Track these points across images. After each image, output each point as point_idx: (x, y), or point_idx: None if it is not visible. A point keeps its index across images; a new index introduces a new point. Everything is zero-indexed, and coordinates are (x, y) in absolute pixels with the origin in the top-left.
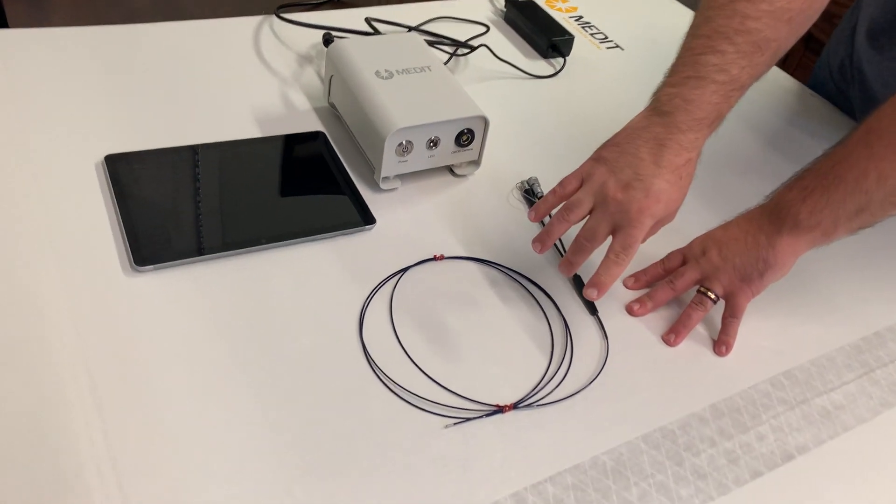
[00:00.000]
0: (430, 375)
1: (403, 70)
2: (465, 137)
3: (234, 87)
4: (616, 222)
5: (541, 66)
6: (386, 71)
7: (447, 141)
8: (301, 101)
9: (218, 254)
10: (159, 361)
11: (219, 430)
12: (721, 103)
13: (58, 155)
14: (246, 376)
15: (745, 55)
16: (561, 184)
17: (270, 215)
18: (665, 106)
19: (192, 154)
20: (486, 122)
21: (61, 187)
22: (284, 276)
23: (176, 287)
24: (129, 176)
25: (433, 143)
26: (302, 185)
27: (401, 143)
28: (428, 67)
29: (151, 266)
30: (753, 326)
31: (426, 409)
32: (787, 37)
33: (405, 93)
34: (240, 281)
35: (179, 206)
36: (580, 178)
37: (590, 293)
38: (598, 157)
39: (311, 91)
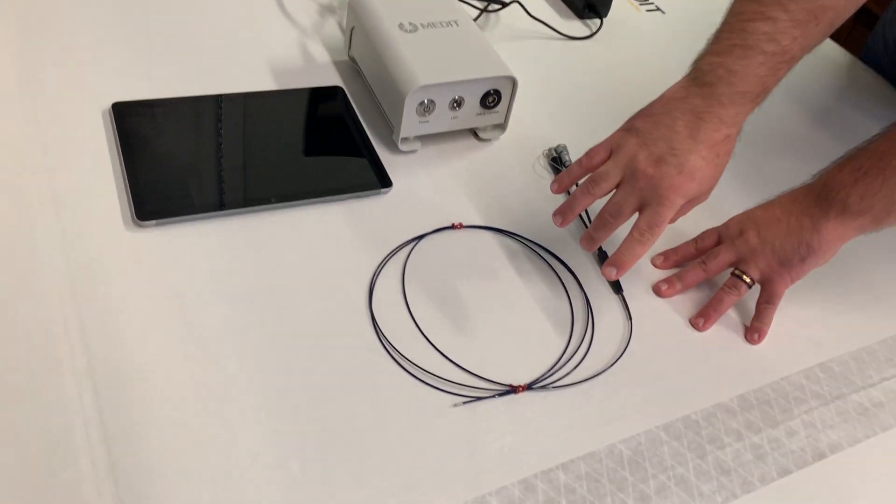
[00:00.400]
0: (441, 350)
1: (429, 24)
2: (491, 99)
3: (252, 37)
4: (644, 198)
5: (576, 26)
6: (410, 24)
7: (472, 102)
8: (320, 54)
9: (224, 211)
10: (156, 321)
11: (214, 395)
12: (767, 77)
13: (65, 99)
14: (246, 341)
15: (799, 24)
16: (588, 154)
17: (281, 173)
18: (706, 76)
19: (203, 105)
20: (514, 82)
21: (66, 133)
22: (293, 239)
23: (178, 244)
24: (136, 125)
25: (457, 103)
26: (316, 143)
27: (422, 102)
28: (455, 22)
29: (154, 221)
30: (789, 314)
31: (435, 385)
32: (846, 5)
33: (429, 48)
34: (245, 241)
35: (187, 159)
36: (609, 148)
37: (608, 272)
38: (629, 128)
39: (331, 43)
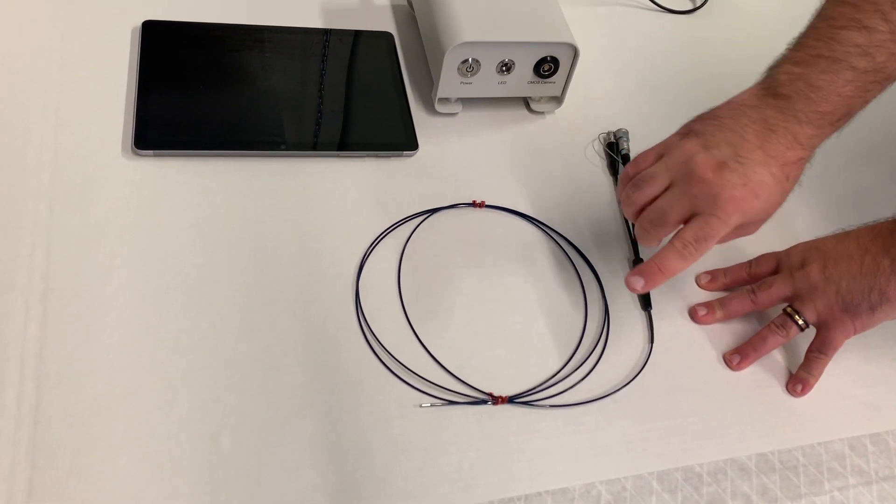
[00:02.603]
0: (422, 341)
1: None
2: (546, 67)
3: None
4: (696, 206)
5: None
6: None
7: (524, 67)
8: None
9: (227, 152)
10: (125, 259)
11: (162, 348)
12: (854, 98)
13: (98, 9)
14: (213, 296)
15: None
16: (634, 161)
17: (299, 119)
18: (783, 87)
19: (238, 35)
20: (575, 51)
21: (90, 46)
22: (293, 192)
23: (171, 180)
24: (162, 48)
25: (506, 66)
26: (347, 91)
27: (465, 61)
28: None
29: (152, 151)
30: (845, 368)
31: (404, 378)
32: None
33: (485, 1)
34: (242, 187)
35: (205, 90)
36: (659, 154)
37: (633, 282)
38: (687, 130)
39: None
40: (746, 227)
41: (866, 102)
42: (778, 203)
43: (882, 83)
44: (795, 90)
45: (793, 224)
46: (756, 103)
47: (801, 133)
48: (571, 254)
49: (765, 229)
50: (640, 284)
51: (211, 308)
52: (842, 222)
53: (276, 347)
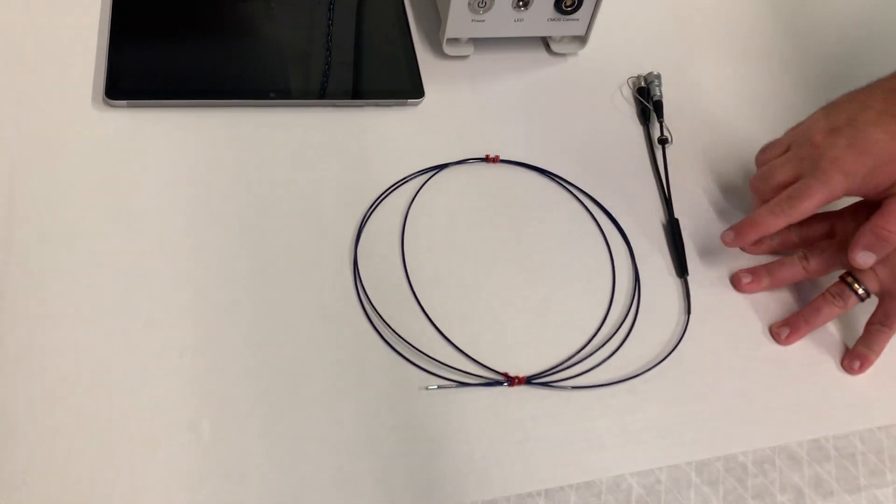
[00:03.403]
0: (429, 315)
1: None
2: (569, 2)
3: None
4: (801, 170)
5: None
6: None
7: (543, 2)
8: None
9: (209, 101)
10: (95, 221)
11: (136, 323)
12: None
13: None
14: (193, 264)
15: None
16: (762, 150)
17: (289, 64)
18: None
19: None
20: None
21: None
22: (285, 146)
23: (147, 133)
24: None
25: (522, 2)
26: (343, 32)
27: None
28: None
29: (125, 102)
30: None
31: (408, 357)
32: None
33: None
34: (227, 141)
35: (186, 33)
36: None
37: (726, 235)
38: (824, 106)
39: None
40: (866, 188)
41: None
42: None
43: None
44: None
45: None
46: (893, 76)
47: None
48: (597, 214)
49: None
50: (731, 237)
51: (191, 278)
52: None
53: (263, 323)
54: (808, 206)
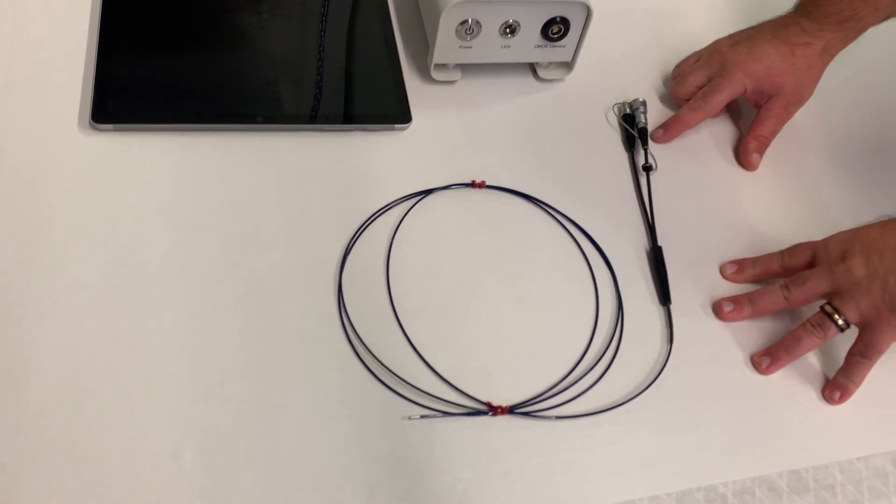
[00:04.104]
0: (413, 342)
1: None
2: (555, 29)
3: None
4: (711, 73)
5: None
6: None
7: (530, 29)
8: None
9: (197, 125)
10: (80, 247)
11: (120, 349)
12: (859, 3)
13: None
14: (177, 289)
15: None
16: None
17: (278, 88)
18: (799, 1)
19: None
20: (588, 11)
21: (46, 4)
22: (271, 171)
23: (133, 157)
24: (127, 5)
25: (510, 28)
26: (331, 55)
27: (464, 22)
28: None
29: (111, 126)
30: (889, 371)
31: (392, 387)
32: None
33: None
34: (213, 166)
35: (173, 56)
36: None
37: (655, 132)
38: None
39: None
40: (778, 98)
41: (877, 10)
42: (786, 72)
43: None
44: (807, 1)
45: (830, 209)
46: (782, 15)
47: (807, 26)
48: (581, 240)
49: (801, 214)
50: (659, 134)
51: (175, 305)
52: (886, 207)
53: (247, 350)
54: (720, 98)
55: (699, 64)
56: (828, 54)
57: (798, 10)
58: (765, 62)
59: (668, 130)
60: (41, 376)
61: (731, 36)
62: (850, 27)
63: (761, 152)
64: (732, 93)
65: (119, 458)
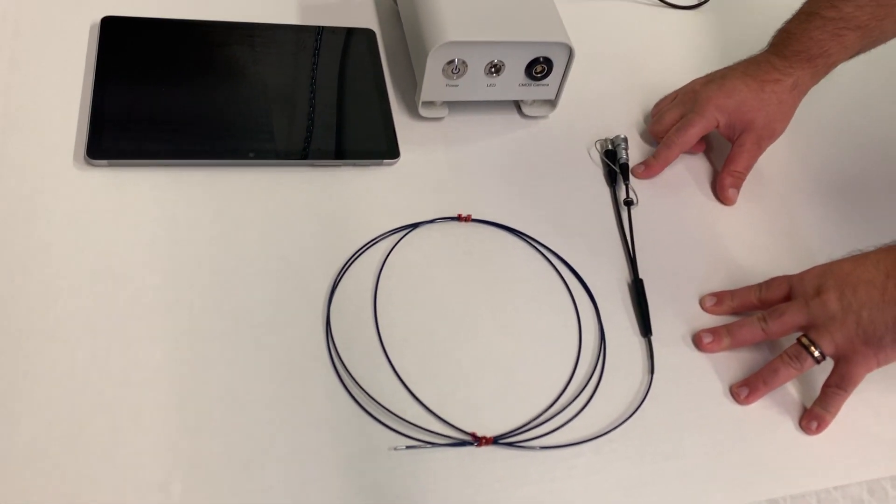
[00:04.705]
0: (399, 374)
1: None
2: (539, 68)
3: None
4: (685, 110)
5: None
6: None
7: (515, 69)
8: None
9: (189, 161)
10: (73, 281)
11: (111, 380)
12: (827, 41)
13: (52, 7)
14: (169, 322)
15: None
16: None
17: (270, 125)
18: (772, 40)
19: (205, 33)
20: (570, 52)
21: (44, 44)
22: (262, 205)
23: (127, 193)
24: (122, 46)
25: (495, 68)
26: (323, 93)
27: (451, 62)
28: None
29: (106, 161)
30: (864, 401)
31: (378, 418)
32: None
33: None
34: (205, 200)
35: (167, 94)
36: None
37: (636, 168)
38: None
39: None
40: (750, 133)
41: (846, 47)
42: (757, 108)
43: (856, 30)
44: (778, 39)
45: (806, 242)
46: (754, 54)
47: (778, 63)
48: (565, 273)
49: (778, 247)
50: (640, 170)
51: (166, 337)
52: (860, 239)
53: (236, 382)
54: (693, 132)
55: (675, 103)
56: (798, 90)
57: (769, 49)
58: (735, 98)
59: (649, 168)
60: (32, 407)
61: (705, 76)
62: (820, 63)
63: (737, 187)
64: (705, 126)
65: (108, 489)
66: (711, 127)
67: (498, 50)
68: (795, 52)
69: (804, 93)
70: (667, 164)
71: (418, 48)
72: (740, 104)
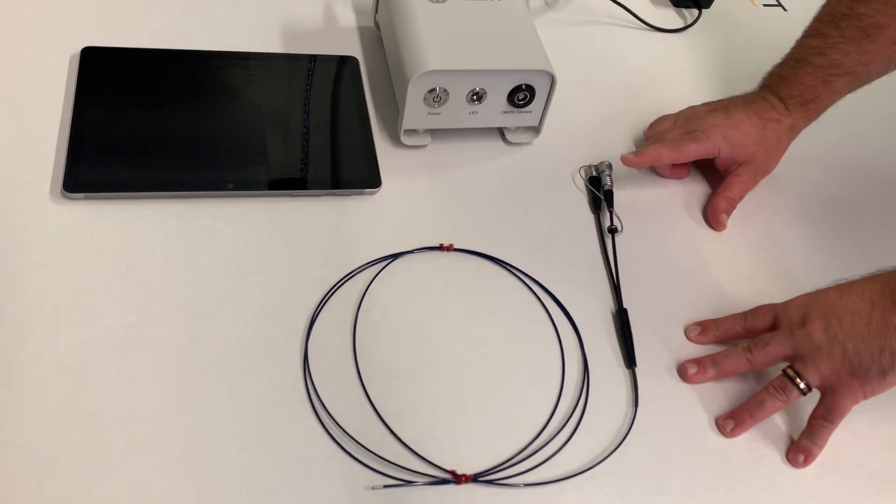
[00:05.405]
0: (378, 410)
1: None
2: (521, 96)
3: None
4: (687, 130)
5: (667, 15)
6: None
7: (496, 97)
8: (346, 16)
9: (167, 193)
10: (45, 318)
11: (81, 422)
12: (818, 86)
13: (36, 36)
14: (144, 359)
15: (851, 40)
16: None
17: (249, 154)
18: (765, 81)
19: (184, 63)
20: (552, 79)
21: (22, 76)
22: (244, 236)
23: (103, 226)
24: (102, 77)
25: (476, 96)
26: (303, 122)
27: (432, 90)
28: None
29: (83, 194)
30: (852, 432)
31: (355, 455)
32: None
33: (455, 24)
34: (182, 233)
35: (146, 125)
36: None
37: (626, 155)
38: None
39: (362, 6)
40: (747, 166)
41: (835, 91)
42: (757, 142)
43: (843, 76)
44: (771, 81)
45: (792, 268)
46: (750, 91)
47: (775, 103)
48: (548, 303)
49: (764, 274)
50: (630, 158)
51: (139, 375)
52: (844, 267)
53: (210, 419)
54: (694, 147)
55: (676, 125)
56: (793, 132)
57: (765, 88)
58: (741, 129)
59: (639, 157)
60: (2, 447)
61: (706, 104)
62: (812, 108)
63: (729, 213)
64: (708, 149)
65: None
66: (712, 153)
67: (479, 78)
68: (790, 94)
69: (797, 135)
70: (657, 162)
71: (400, 76)
72: (745, 136)
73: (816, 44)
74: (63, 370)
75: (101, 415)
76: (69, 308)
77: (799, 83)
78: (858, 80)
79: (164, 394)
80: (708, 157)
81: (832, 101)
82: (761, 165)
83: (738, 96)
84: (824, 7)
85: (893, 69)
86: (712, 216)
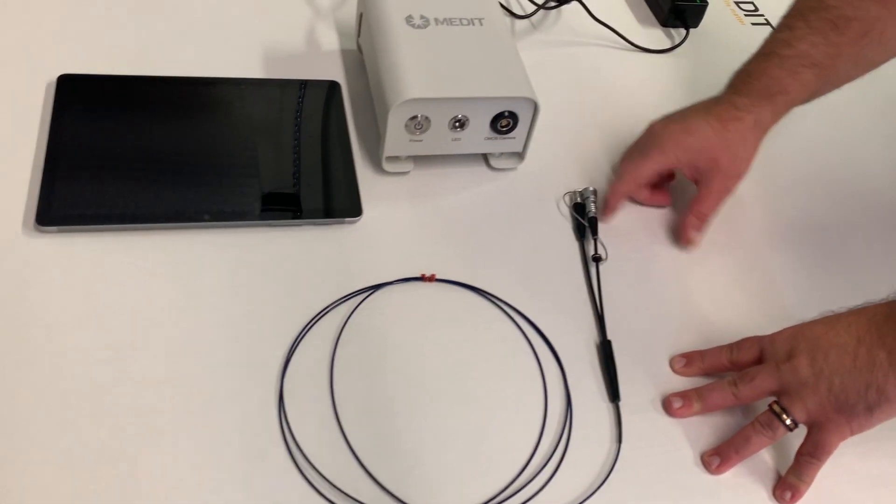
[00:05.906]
0: (356, 452)
1: (445, 19)
2: (504, 122)
3: (252, 12)
4: (646, 150)
5: (654, 35)
6: (422, 17)
7: (479, 123)
8: (329, 40)
9: (141, 225)
10: (20, 357)
11: (57, 456)
12: (785, 78)
13: (7, 65)
14: (109, 403)
15: (818, 31)
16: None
17: (227, 184)
18: (732, 80)
19: (162, 89)
20: (535, 106)
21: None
22: (219, 268)
23: (76, 261)
24: (78, 105)
25: (459, 123)
26: (283, 150)
27: (414, 118)
28: (479, 20)
29: (56, 228)
30: (840, 467)
31: (331, 499)
32: (881, 17)
33: (436, 51)
34: (156, 267)
35: (122, 155)
36: None
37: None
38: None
39: (345, 28)
40: (716, 174)
41: (804, 84)
42: (718, 147)
43: (812, 67)
44: (738, 79)
45: (778, 295)
46: (714, 95)
47: (738, 101)
48: (531, 335)
49: (751, 302)
50: (604, 213)
51: (111, 416)
52: (832, 293)
53: (181, 463)
54: (647, 165)
55: (636, 147)
56: (760, 128)
57: (729, 89)
58: (697, 136)
59: (606, 206)
60: None
61: (664, 117)
62: (780, 101)
63: (699, 229)
64: (663, 162)
65: None
66: (670, 165)
67: (461, 105)
68: (755, 89)
69: (766, 131)
70: (620, 197)
71: (381, 103)
72: (703, 142)
73: (783, 36)
74: (34, 411)
75: (72, 456)
76: (38, 348)
77: (766, 76)
78: (827, 75)
79: (137, 432)
80: (669, 171)
81: (801, 96)
82: (729, 171)
83: (698, 103)
84: (794, 2)
85: (866, 71)
86: (682, 232)
